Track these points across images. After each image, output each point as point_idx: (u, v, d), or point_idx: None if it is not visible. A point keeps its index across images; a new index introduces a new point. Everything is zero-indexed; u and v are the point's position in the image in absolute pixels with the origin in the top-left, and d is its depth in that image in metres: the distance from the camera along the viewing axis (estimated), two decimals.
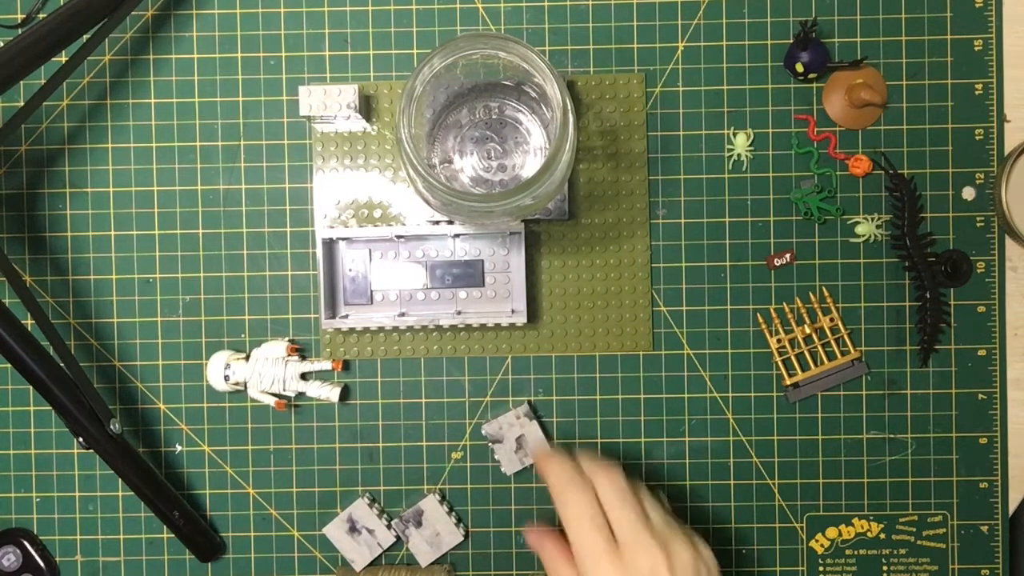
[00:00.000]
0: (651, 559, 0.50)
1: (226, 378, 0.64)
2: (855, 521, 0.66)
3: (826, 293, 0.66)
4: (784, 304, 0.66)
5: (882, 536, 0.66)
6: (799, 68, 0.64)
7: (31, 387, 0.60)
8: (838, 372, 0.66)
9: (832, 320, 0.66)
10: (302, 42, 0.66)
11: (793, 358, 0.66)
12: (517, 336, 0.66)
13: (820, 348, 0.66)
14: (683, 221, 0.66)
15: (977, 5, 0.65)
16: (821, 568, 0.66)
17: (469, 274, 0.65)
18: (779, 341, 0.66)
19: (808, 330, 0.65)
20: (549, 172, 0.51)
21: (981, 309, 0.66)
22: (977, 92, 0.65)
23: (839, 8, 0.65)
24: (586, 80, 0.65)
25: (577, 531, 0.52)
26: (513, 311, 0.65)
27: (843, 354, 0.66)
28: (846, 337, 0.66)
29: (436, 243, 0.65)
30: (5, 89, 0.55)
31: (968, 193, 0.66)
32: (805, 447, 0.66)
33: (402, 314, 0.65)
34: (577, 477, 0.54)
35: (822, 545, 0.66)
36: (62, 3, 0.66)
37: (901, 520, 0.66)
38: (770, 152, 0.66)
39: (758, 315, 0.66)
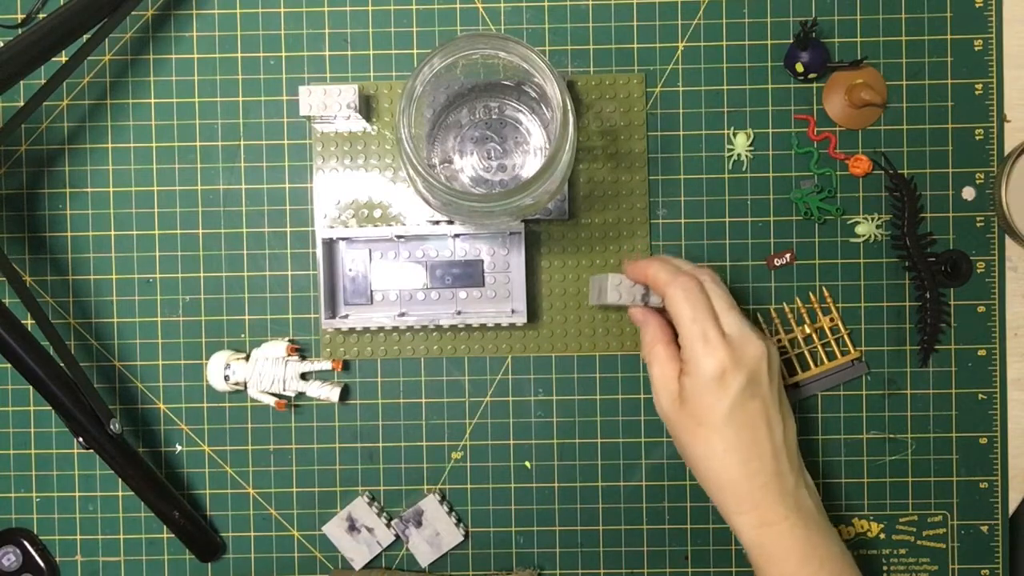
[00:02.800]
0: (756, 349, 0.56)
1: (226, 378, 0.64)
2: (855, 521, 0.66)
3: (826, 293, 0.66)
4: (784, 304, 0.66)
5: (882, 536, 0.66)
6: (799, 68, 0.64)
7: (31, 387, 0.60)
8: (838, 372, 0.66)
9: (832, 320, 0.66)
10: (302, 42, 0.66)
11: (793, 358, 0.66)
12: (517, 336, 0.66)
13: (820, 348, 0.66)
14: (683, 221, 0.66)
15: (977, 5, 0.65)
16: None
17: (469, 274, 0.65)
18: (779, 341, 0.66)
19: (808, 330, 0.65)
20: (549, 172, 0.51)
21: (981, 309, 0.66)
22: (977, 92, 0.65)
23: (839, 8, 0.65)
24: (586, 80, 0.65)
25: (691, 316, 0.55)
26: (513, 311, 0.65)
27: (843, 354, 0.66)
28: (846, 337, 0.66)
29: (436, 243, 0.65)
30: (5, 89, 0.55)
31: (968, 193, 0.66)
32: (805, 447, 0.66)
33: (402, 314, 0.65)
34: (685, 270, 0.57)
35: None
36: (62, 3, 0.66)
37: (901, 520, 0.66)
38: (770, 152, 0.66)
39: (758, 315, 0.66)
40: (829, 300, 0.66)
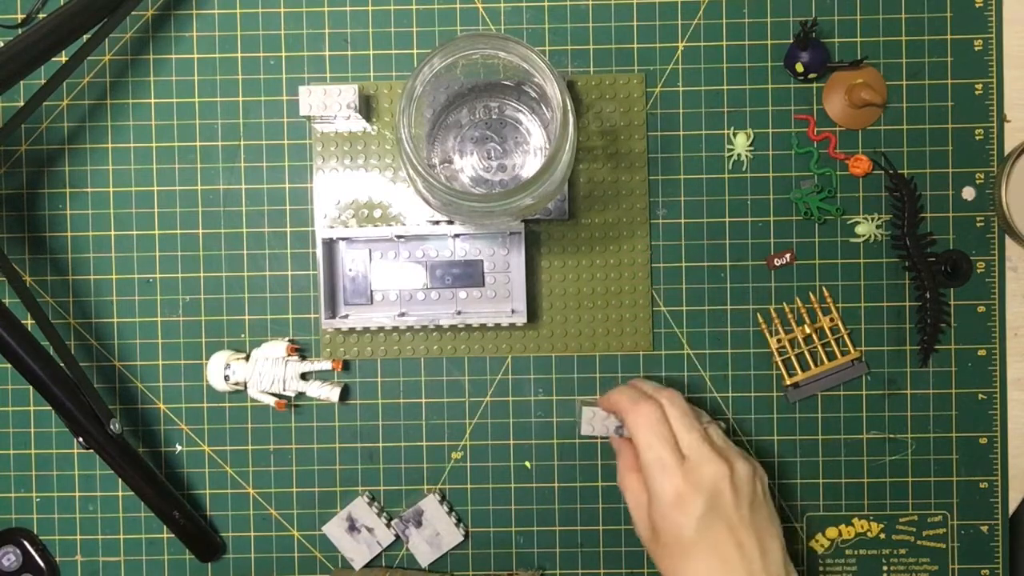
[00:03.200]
0: (714, 470, 0.55)
1: (226, 378, 0.64)
2: (855, 521, 0.66)
3: (826, 293, 0.66)
4: (784, 304, 0.66)
5: (882, 536, 0.66)
6: (799, 68, 0.64)
7: (31, 387, 0.60)
8: (838, 372, 0.66)
9: (832, 320, 0.66)
10: (302, 42, 0.66)
11: (793, 358, 0.66)
12: (517, 336, 0.66)
13: (820, 348, 0.66)
14: (683, 221, 0.66)
15: (977, 5, 0.65)
16: (821, 568, 0.66)
17: (469, 274, 0.65)
18: (779, 341, 0.66)
19: (808, 330, 0.65)
20: (549, 172, 0.51)
21: (981, 309, 0.66)
22: (977, 92, 0.65)
23: (839, 8, 0.65)
24: (586, 80, 0.65)
25: (647, 443, 0.56)
26: (513, 311, 0.65)
27: (843, 354, 0.66)
28: (846, 337, 0.66)
29: (436, 243, 0.65)
30: (5, 89, 0.55)
31: (968, 193, 0.66)
32: (805, 447, 0.66)
33: (402, 314, 0.65)
34: (645, 396, 0.58)
35: (822, 545, 0.66)
36: (62, 3, 0.66)
37: (901, 520, 0.66)
38: (770, 152, 0.66)
39: (758, 315, 0.66)
40: (829, 300, 0.66)
